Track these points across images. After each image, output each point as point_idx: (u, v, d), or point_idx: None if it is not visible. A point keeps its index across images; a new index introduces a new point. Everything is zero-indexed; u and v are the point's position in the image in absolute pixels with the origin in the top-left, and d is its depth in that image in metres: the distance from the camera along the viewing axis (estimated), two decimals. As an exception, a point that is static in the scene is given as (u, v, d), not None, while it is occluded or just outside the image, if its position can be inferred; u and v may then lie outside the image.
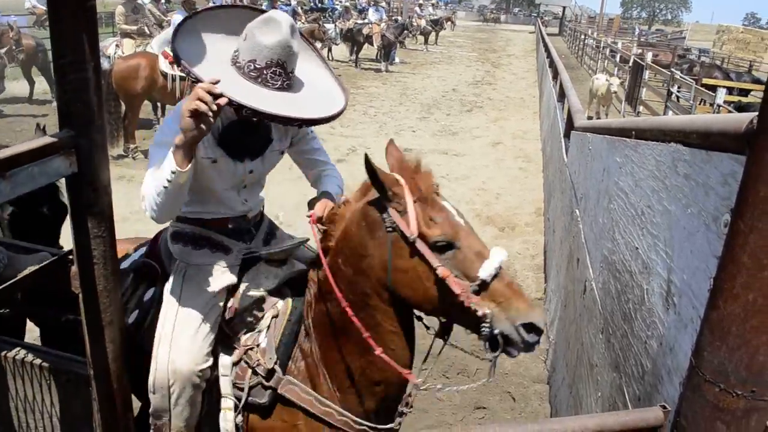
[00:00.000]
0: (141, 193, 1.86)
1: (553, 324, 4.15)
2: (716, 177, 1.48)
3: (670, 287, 1.72)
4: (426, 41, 26.51)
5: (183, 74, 8.63)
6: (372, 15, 20.77)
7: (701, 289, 1.45)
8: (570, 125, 5.02)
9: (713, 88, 11.04)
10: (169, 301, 2.11)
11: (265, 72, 1.99)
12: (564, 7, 57.67)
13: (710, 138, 1.56)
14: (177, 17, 9.32)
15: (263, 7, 13.00)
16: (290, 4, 19.95)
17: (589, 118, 13.52)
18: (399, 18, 24.96)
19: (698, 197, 1.58)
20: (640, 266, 2.06)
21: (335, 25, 18.24)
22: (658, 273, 1.84)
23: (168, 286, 2.14)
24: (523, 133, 11.26)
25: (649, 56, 14.78)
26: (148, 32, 9.95)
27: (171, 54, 8.47)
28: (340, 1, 31.65)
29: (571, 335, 3.24)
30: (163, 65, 8.54)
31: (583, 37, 29.78)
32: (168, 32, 8.86)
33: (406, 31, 20.94)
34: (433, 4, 38.02)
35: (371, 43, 20.06)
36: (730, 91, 12.63)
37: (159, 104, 10.11)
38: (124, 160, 8.18)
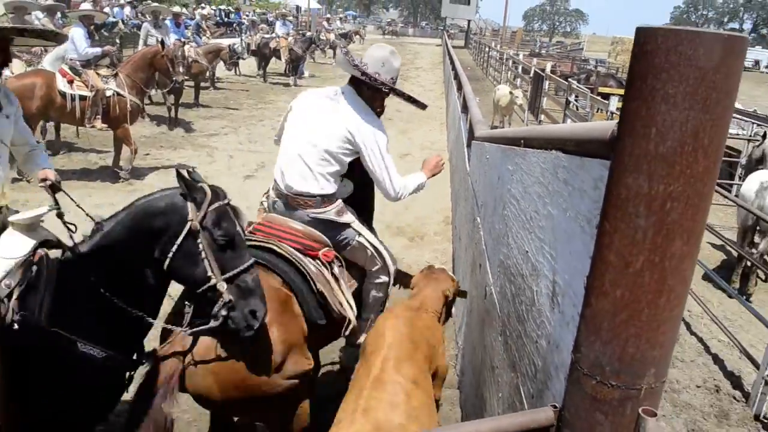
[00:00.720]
0: None
1: (461, 330, 4.25)
2: (589, 182, 1.57)
3: (555, 288, 1.81)
4: (335, 55, 26.66)
5: (82, 93, 8.33)
6: (279, 29, 20.71)
7: (579, 288, 1.53)
8: (471, 135, 5.18)
9: (608, 97, 11.65)
10: None
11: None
12: (469, 21, 59.60)
13: (584, 145, 1.65)
14: (76, 31, 8.94)
15: (167, 24, 12.75)
16: (194, 19, 19.58)
17: (494, 127, 14.01)
18: (307, 32, 24.98)
19: (575, 201, 1.68)
20: (530, 269, 2.15)
21: (242, 40, 17.98)
22: (545, 275, 1.93)
23: None
24: (430, 144, 11.49)
25: (548, 67, 15.45)
26: (40, 49, 9.51)
27: (69, 72, 8.20)
28: (247, 15, 31.35)
29: (476, 339, 3.33)
30: (61, 84, 8.19)
31: (487, 49, 30.79)
32: (62, 49, 8.49)
33: (314, 45, 21.02)
34: (341, 18, 38.41)
35: (279, 57, 19.97)
36: (623, 98, 13.38)
37: (56, 124, 9.68)
38: (19, 183, 7.77)
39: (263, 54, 19.91)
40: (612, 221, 1.31)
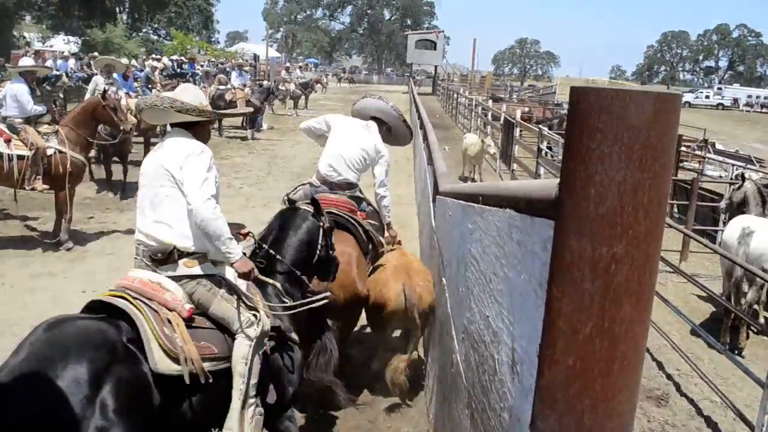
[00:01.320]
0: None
1: (431, 402, 4.22)
2: (539, 243, 1.61)
3: (514, 355, 1.83)
4: (295, 105, 26.99)
5: (21, 152, 8.27)
6: (235, 79, 20.94)
7: (535, 357, 1.55)
8: (436, 189, 5.26)
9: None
10: None
11: None
12: (436, 66, 61.18)
13: (533, 204, 1.70)
14: (19, 87, 8.82)
15: (115, 77, 12.86)
16: (143, 70, 19.75)
17: (465, 178, 14.20)
18: (265, 82, 25.30)
19: (528, 263, 1.71)
20: (491, 335, 2.17)
21: (195, 92, 18.18)
22: (504, 341, 1.95)
23: None
24: (398, 198, 11.59)
25: (518, 113, 15.86)
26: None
27: (6, 130, 8.15)
28: (202, 66, 31.66)
29: (446, 412, 3.31)
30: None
31: (455, 95, 31.50)
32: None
33: (272, 96, 21.24)
34: (301, 67, 39.03)
35: (235, 110, 20.16)
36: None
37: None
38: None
39: (218, 106, 20.10)
40: (559, 286, 1.34)
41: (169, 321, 3.17)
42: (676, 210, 12.77)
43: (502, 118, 17.17)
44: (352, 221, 5.06)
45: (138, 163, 14.07)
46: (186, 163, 3.35)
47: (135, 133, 11.63)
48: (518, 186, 2.01)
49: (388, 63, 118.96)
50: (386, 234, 5.44)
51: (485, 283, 2.34)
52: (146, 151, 14.42)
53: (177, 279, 3.38)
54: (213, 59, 38.86)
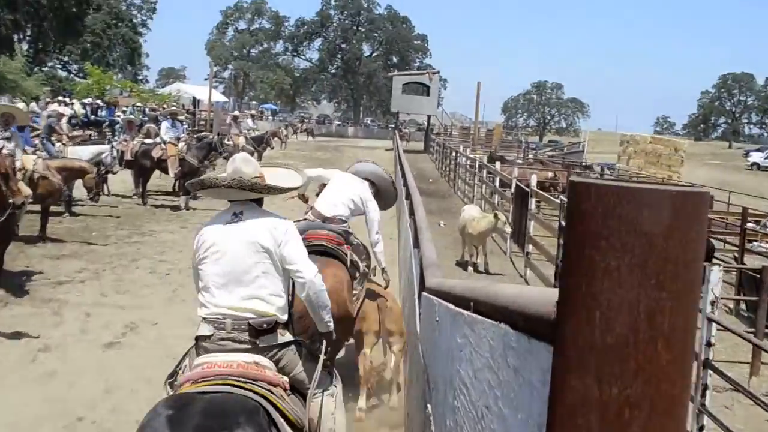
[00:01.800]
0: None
1: None
2: (537, 374, 1.62)
3: None
4: None
5: None
6: (166, 132, 20.65)
7: None
8: (423, 283, 5.28)
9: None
10: None
11: None
12: (429, 117, 60.72)
13: (530, 320, 1.72)
14: None
15: (12, 130, 12.93)
16: (51, 116, 19.72)
17: (464, 264, 14.20)
18: (207, 134, 25.32)
19: (525, 399, 1.73)
20: (483, 489, 2.16)
21: (113, 147, 18.16)
22: (498, 500, 1.94)
23: None
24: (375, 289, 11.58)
25: (533, 179, 16.02)
26: None
27: None
28: (125, 111, 31.68)
29: None
30: None
31: (454, 154, 31.78)
32: None
33: (215, 153, 21.00)
34: (254, 115, 39.03)
35: (165, 170, 20.17)
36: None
37: None
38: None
39: (142, 166, 20.14)
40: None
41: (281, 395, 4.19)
42: (743, 308, 12.85)
43: (513, 185, 17.35)
44: (341, 252, 7.10)
45: (32, 240, 14.15)
46: (286, 239, 4.48)
47: (29, 200, 11.62)
48: (515, 294, 2.03)
49: (367, 111, 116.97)
50: (382, 276, 7.94)
51: (476, 419, 2.34)
52: (44, 223, 14.37)
53: (269, 349, 4.40)
54: (139, 104, 38.33)
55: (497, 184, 20.57)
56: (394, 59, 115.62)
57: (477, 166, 25.22)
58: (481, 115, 66.10)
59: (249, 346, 4.33)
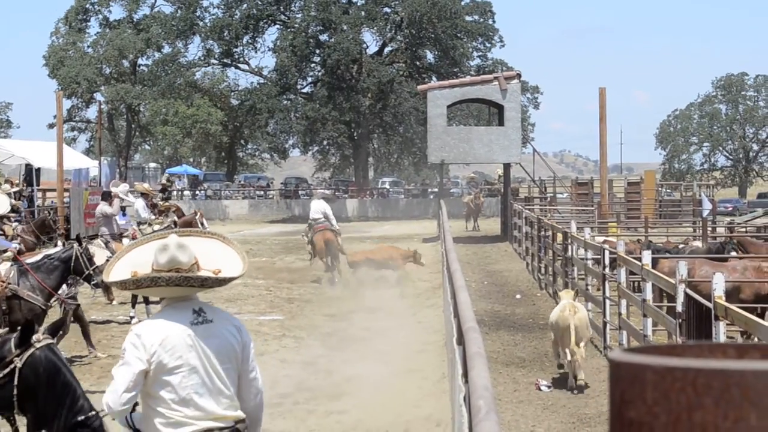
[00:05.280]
0: None
1: None
2: None
3: None
4: (108, 296, 16.76)
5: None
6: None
7: None
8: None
9: None
10: None
11: None
12: (507, 166, 34.69)
13: None
14: None
15: None
16: None
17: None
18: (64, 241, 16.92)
19: None
20: None
21: None
22: None
23: None
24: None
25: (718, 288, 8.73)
26: None
27: None
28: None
29: None
30: None
31: (561, 240, 18.84)
32: None
33: (74, 278, 12.60)
34: (144, 194, 20.75)
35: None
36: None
37: None
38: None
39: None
40: None
41: None
42: None
43: (679, 299, 9.74)
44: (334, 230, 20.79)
45: None
46: (247, 341, 4.52)
47: None
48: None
49: (384, 164, 68.46)
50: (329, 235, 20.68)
51: None
52: None
53: None
54: None
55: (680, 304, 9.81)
56: (429, 56, 61.34)
57: (606, 262, 14.26)
58: (610, 153, 36.15)
59: None
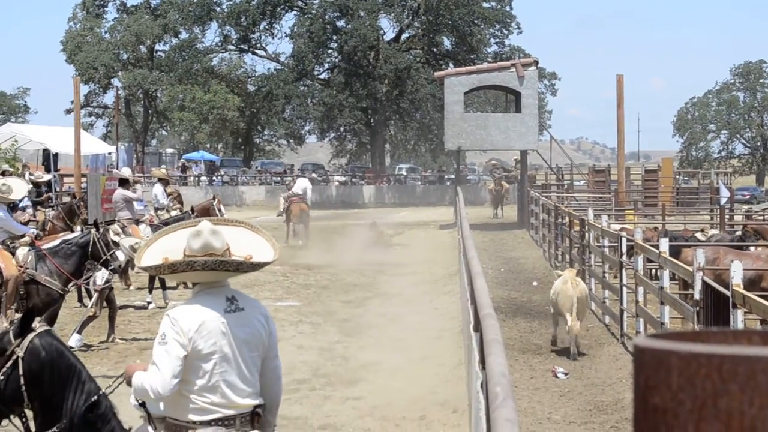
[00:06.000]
0: None
1: None
2: None
3: None
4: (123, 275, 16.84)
5: None
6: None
7: None
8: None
9: None
10: None
11: None
12: (524, 153, 35.41)
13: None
14: None
15: None
16: None
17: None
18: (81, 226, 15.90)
19: None
20: None
21: None
22: None
23: None
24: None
25: (737, 271, 8.85)
26: None
27: None
28: None
29: None
30: None
31: (578, 228, 19.19)
32: None
33: (91, 263, 12.14)
34: (164, 180, 20.55)
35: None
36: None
37: None
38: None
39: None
40: None
41: None
42: None
43: (697, 289, 9.97)
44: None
45: None
46: (273, 329, 4.61)
47: None
48: None
49: (400, 150, 72.57)
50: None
51: None
52: None
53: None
54: None
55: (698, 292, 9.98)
56: (446, 43, 62.53)
57: (623, 249, 14.41)
58: (628, 140, 38.52)
59: None
